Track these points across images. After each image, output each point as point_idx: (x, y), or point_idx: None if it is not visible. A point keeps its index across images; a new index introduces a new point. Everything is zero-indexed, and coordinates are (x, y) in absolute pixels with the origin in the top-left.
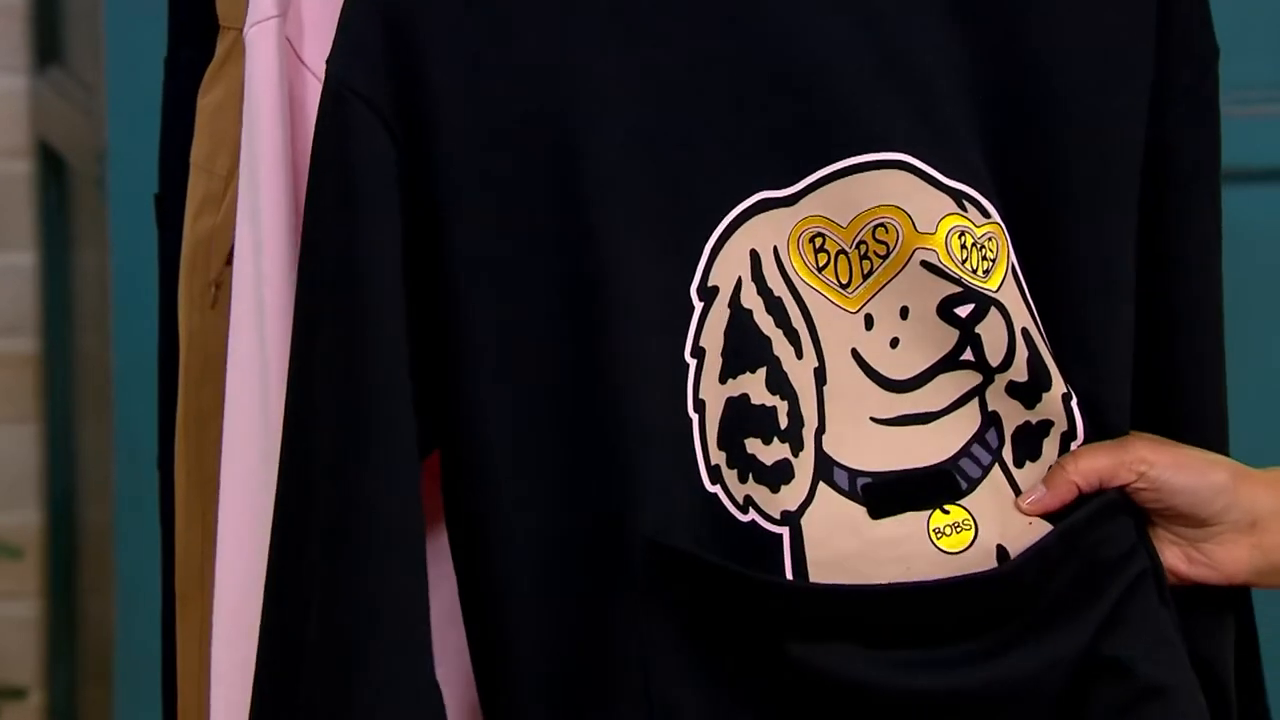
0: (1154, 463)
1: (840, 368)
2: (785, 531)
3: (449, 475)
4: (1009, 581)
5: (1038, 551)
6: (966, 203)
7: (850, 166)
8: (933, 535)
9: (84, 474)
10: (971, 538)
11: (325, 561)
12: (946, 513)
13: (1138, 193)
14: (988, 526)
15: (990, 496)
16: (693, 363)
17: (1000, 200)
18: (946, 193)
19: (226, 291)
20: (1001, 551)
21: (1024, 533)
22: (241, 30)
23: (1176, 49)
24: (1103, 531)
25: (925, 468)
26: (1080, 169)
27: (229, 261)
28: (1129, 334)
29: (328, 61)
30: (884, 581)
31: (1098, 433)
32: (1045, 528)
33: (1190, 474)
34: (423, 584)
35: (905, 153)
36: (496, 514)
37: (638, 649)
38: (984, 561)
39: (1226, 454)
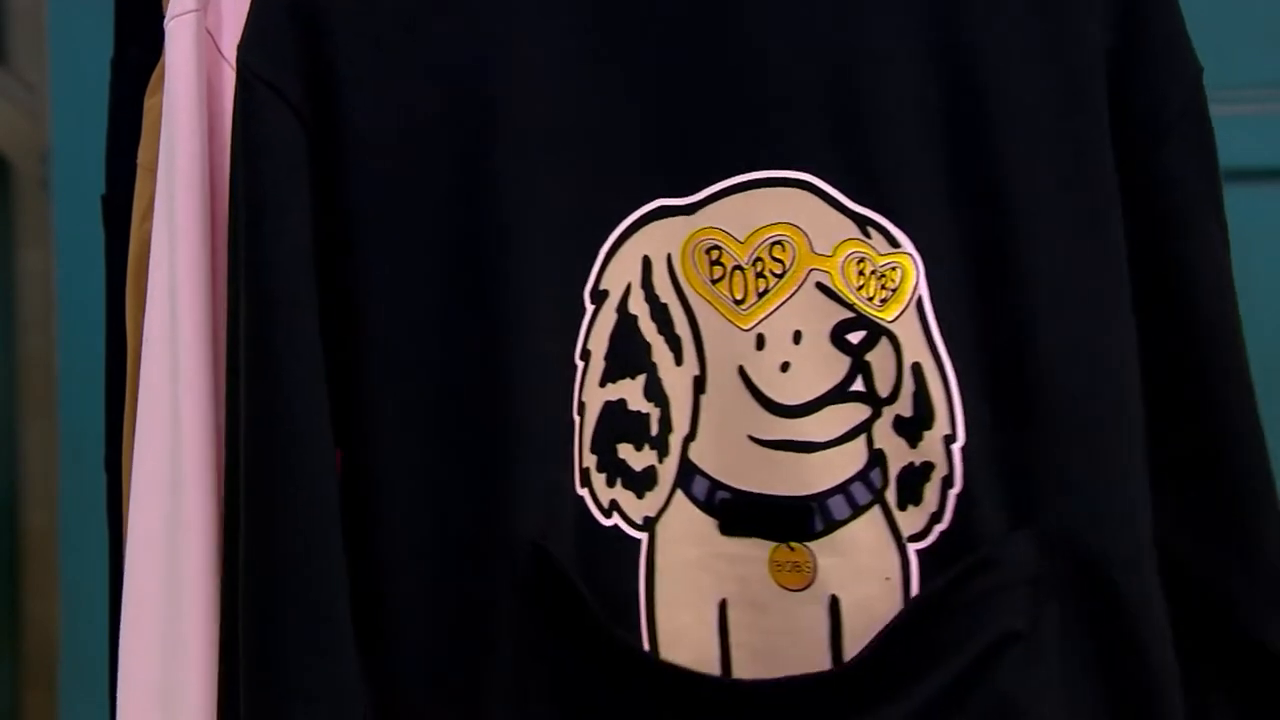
0: None
1: (723, 381)
2: (645, 537)
3: (345, 470)
4: (848, 680)
5: (881, 647)
6: (872, 229)
7: (752, 181)
8: (771, 567)
9: (27, 476)
10: (808, 580)
11: (248, 549)
12: (791, 549)
13: (1110, 218)
14: (828, 575)
15: (848, 543)
16: (580, 365)
17: (957, 227)
18: (850, 217)
19: None
20: (834, 601)
21: (874, 595)
22: None
23: (1161, 73)
24: (970, 599)
25: (787, 498)
26: (1035, 195)
27: None
28: (1092, 373)
29: (238, 49)
30: (721, 597)
31: (1001, 483)
32: (897, 593)
33: None
34: (339, 570)
35: (810, 173)
36: (383, 509)
37: (512, 648)
38: (815, 605)
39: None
